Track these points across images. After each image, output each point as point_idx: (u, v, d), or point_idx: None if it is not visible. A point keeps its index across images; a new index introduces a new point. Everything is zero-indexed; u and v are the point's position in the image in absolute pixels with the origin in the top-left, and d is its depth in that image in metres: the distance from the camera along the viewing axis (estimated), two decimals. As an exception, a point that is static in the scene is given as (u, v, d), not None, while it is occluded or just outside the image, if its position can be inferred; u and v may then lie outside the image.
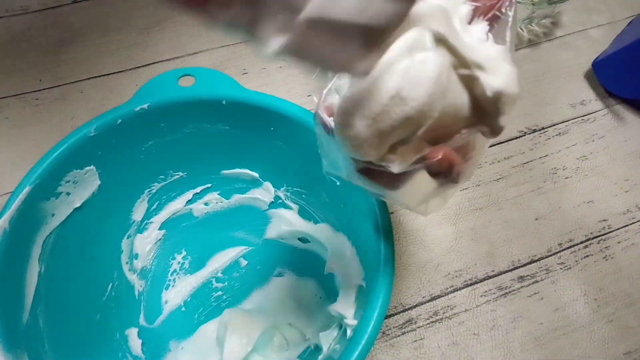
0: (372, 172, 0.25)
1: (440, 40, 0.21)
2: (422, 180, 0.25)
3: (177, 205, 0.49)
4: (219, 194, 0.49)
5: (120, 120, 0.39)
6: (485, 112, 0.22)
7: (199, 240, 0.49)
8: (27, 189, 0.35)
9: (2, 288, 0.33)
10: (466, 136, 0.23)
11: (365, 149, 0.22)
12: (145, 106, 0.40)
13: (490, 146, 0.58)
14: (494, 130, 0.23)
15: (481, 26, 0.23)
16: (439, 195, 0.27)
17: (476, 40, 0.23)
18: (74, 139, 0.38)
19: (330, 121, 0.24)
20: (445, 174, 0.24)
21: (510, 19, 0.23)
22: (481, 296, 0.48)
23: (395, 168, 0.23)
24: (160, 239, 0.48)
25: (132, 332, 0.44)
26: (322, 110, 0.25)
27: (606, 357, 0.45)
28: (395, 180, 0.25)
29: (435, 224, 0.52)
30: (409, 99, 0.21)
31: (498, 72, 0.22)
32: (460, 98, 0.22)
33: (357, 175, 0.25)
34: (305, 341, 0.43)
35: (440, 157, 0.23)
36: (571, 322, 0.47)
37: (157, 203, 0.47)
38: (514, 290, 0.48)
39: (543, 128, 0.60)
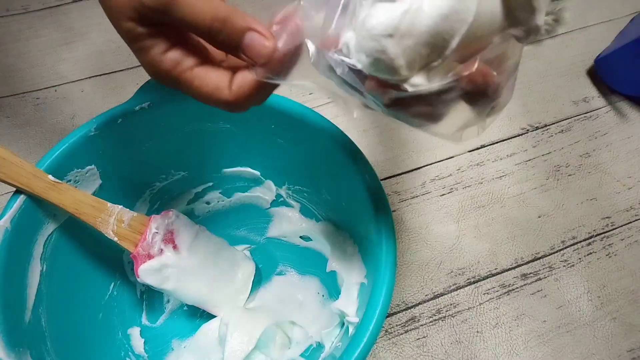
0: (403, 102, 0.22)
1: None
2: (460, 110, 0.23)
3: (178, 204, 0.48)
4: (220, 193, 0.49)
5: (121, 119, 0.39)
6: (519, 11, 0.20)
7: (201, 239, 0.49)
8: (28, 189, 0.35)
9: (5, 287, 0.33)
10: (499, 44, 0.21)
11: (396, 68, 0.20)
12: (145, 105, 0.40)
13: (493, 143, 0.58)
14: (530, 30, 0.21)
15: None
16: (477, 124, 0.24)
17: None
18: (75, 139, 0.38)
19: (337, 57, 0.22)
20: (481, 92, 0.21)
21: None
22: (484, 294, 0.48)
23: (425, 86, 0.20)
24: (162, 238, 0.48)
25: (135, 331, 0.44)
26: (331, 49, 0.22)
27: (610, 355, 0.45)
28: (432, 112, 0.23)
29: (437, 221, 0.52)
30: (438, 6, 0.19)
31: None
32: (493, 1, 0.20)
33: (387, 110, 0.23)
34: (307, 339, 0.43)
35: (473, 70, 0.20)
36: (574, 320, 0.47)
37: (158, 202, 0.47)
38: (517, 288, 0.48)
39: (546, 125, 0.60)
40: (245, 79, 0.25)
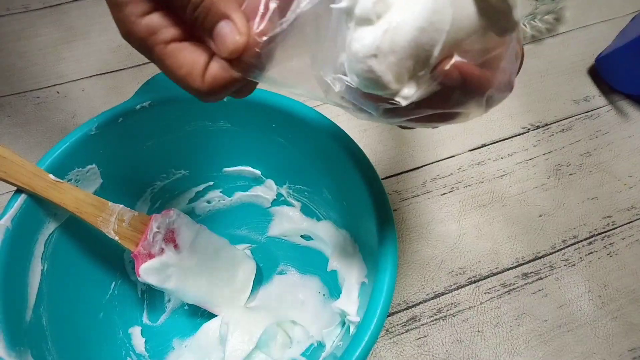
0: (403, 112, 0.22)
1: None
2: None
3: (179, 203, 0.48)
4: (221, 192, 0.49)
5: (121, 119, 0.39)
6: (495, 11, 0.21)
7: (202, 238, 0.49)
8: (29, 188, 0.35)
9: (5, 287, 0.33)
10: (480, 42, 0.21)
11: (385, 84, 0.21)
12: (146, 104, 0.40)
13: (494, 142, 0.58)
14: (509, 26, 0.21)
15: None
16: (477, 114, 0.24)
17: None
18: (76, 138, 0.38)
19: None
20: (462, 86, 0.21)
21: None
22: (485, 293, 0.48)
23: (415, 95, 0.21)
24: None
25: (135, 331, 0.44)
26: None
27: (611, 354, 0.45)
28: (439, 114, 0.23)
29: (438, 221, 0.52)
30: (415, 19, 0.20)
31: None
32: (467, 5, 0.20)
33: (389, 120, 0.23)
34: (308, 338, 0.43)
35: (446, 67, 0.20)
36: (575, 319, 0.47)
37: (159, 201, 0.47)
38: (518, 287, 0.48)
39: (546, 124, 0.60)
40: (222, 67, 0.23)
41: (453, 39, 0.20)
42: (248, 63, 0.22)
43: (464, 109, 0.23)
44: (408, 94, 0.21)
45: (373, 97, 0.22)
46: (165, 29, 0.23)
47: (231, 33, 0.22)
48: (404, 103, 0.21)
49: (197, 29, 0.23)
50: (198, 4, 0.22)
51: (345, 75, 0.22)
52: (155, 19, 0.23)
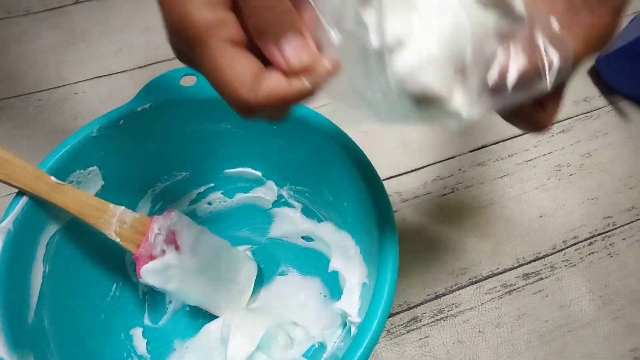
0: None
1: None
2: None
3: (180, 205, 0.49)
4: (222, 194, 0.49)
5: (122, 121, 0.39)
6: (500, 6, 0.22)
7: (203, 240, 0.49)
8: (30, 190, 0.35)
9: (7, 288, 0.33)
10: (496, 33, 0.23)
11: (435, 95, 0.22)
12: (147, 106, 0.40)
13: (494, 143, 0.58)
14: (517, 17, 0.23)
15: None
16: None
17: None
18: (77, 140, 0.38)
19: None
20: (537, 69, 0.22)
21: None
22: (486, 294, 0.48)
23: (469, 112, 0.22)
24: (164, 239, 0.48)
25: (137, 332, 0.44)
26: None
27: (612, 354, 0.45)
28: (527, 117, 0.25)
29: (439, 221, 0.52)
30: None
31: None
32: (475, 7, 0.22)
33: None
34: (309, 339, 0.43)
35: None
36: (576, 319, 0.47)
37: (160, 203, 0.47)
38: (518, 287, 0.48)
39: (546, 125, 0.60)
40: (280, 80, 0.21)
41: (479, 42, 0.22)
42: (319, 78, 0.21)
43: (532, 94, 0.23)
44: (460, 100, 0.22)
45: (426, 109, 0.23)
46: (227, 27, 0.21)
47: (305, 46, 0.21)
48: (464, 114, 0.22)
49: (261, 35, 0.21)
50: (273, 6, 0.21)
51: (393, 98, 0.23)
52: (220, 12, 0.20)
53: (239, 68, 0.21)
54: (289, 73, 0.21)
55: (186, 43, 0.21)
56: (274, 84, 0.21)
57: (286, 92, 0.21)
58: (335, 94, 0.24)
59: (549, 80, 0.22)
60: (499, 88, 0.22)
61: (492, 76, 0.22)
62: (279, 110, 0.22)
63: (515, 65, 0.23)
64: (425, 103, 0.22)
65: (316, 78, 0.21)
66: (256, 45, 0.22)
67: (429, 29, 0.21)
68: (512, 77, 0.22)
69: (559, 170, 0.56)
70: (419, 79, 0.21)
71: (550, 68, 0.22)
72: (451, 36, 0.21)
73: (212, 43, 0.20)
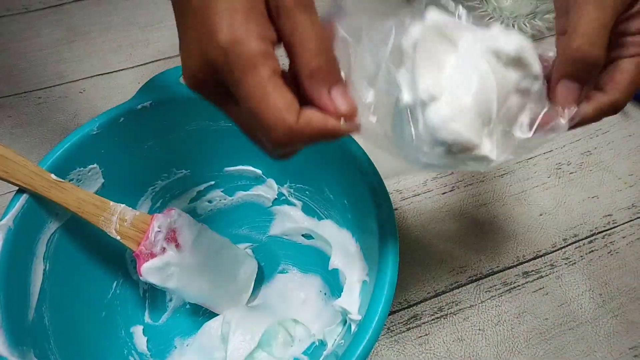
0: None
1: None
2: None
3: (180, 203, 0.49)
4: (222, 192, 0.49)
5: (122, 118, 0.39)
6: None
7: (203, 238, 0.49)
8: (31, 188, 0.35)
9: (8, 286, 0.33)
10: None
11: (466, 142, 0.25)
12: (147, 104, 0.40)
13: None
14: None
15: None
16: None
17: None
18: (77, 138, 0.38)
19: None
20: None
21: None
22: (486, 292, 0.48)
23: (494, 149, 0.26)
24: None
25: (138, 330, 0.44)
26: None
27: (611, 352, 0.45)
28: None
29: (439, 219, 0.52)
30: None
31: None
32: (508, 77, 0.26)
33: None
34: (309, 337, 0.43)
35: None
36: (576, 317, 0.47)
37: (160, 201, 0.47)
38: (518, 285, 0.48)
39: (547, 123, 0.60)
40: (321, 115, 0.23)
41: (503, 96, 0.25)
42: (353, 127, 0.24)
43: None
44: (489, 146, 0.26)
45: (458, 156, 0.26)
46: (274, 60, 0.22)
47: (348, 96, 0.24)
48: (493, 157, 0.26)
49: (312, 77, 0.23)
50: (327, 53, 0.23)
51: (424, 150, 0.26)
52: (270, 46, 0.22)
53: (284, 96, 0.22)
54: (332, 115, 0.23)
55: (232, 68, 0.22)
56: (314, 116, 0.23)
57: (326, 125, 0.23)
58: (369, 137, 0.26)
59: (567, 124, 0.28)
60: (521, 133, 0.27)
61: (517, 125, 0.26)
62: (311, 141, 0.23)
63: (534, 113, 0.27)
64: (457, 149, 0.25)
65: (351, 126, 0.24)
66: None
67: (458, 85, 0.25)
68: (533, 124, 0.27)
69: (559, 168, 0.56)
70: (451, 128, 0.24)
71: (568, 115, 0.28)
72: (479, 91, 0.25)
73: (263, 70, 0.22)
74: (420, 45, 0.25)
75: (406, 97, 0.25)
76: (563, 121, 0.28)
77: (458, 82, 0.25)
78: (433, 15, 0.26)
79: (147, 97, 0.40)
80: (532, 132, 0.27)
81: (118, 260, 0.45)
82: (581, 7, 0.26)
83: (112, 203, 0.39)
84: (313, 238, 0.48)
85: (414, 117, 0.25)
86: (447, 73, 0.25)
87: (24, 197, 0.35)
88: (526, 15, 0.65)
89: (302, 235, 0.49)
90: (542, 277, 0.49)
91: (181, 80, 0.41)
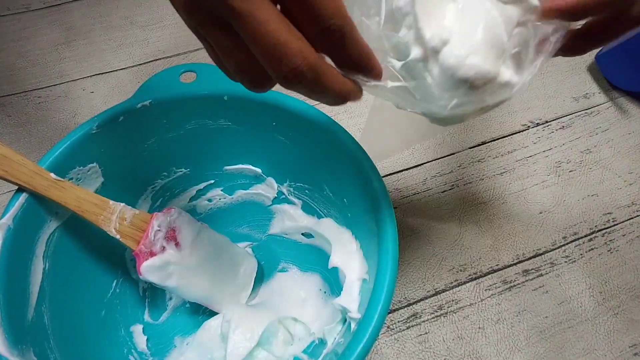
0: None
1: None
2: None
3: (180, 202, 0.49)
4: (222, 190, 0.49)
5: (122, 117, 0.39)
6: None
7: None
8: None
9: (7, 285, 0.33)
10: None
11: (485, 71, 0.25)
12: (147, 103, 0.40)
13: (494, 140, 0.58)
14: None
15: None
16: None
17: None
18: (77, 137, 0.38)
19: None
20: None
21: None
22: (486, 290, 0.48)
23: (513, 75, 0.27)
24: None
25: (137, 329, 0.44)
26: None
27: (612, 350, 0.45)
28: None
29: (439, 218, 0.52)
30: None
31: None
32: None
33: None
34: (309, 335, 0.43)
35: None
36: (576, 315, 0.47)
37: (160, 200, 0.47)
38: (518, 284, 0.48)
39: (546, 121, 0.60)
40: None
41: (512, 26, 0.26)
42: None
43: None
44: (508, 73, 0.26)
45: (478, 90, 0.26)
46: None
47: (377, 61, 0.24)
48: (514, 81, 0.27)
49: (356, 65, 0.24)
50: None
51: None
52: None
53: (291, 28, 0.22)
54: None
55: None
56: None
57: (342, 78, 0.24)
58: (381, 95, 0.28)
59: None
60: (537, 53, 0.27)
61: (526, 50, 0.27)
62: (320, 86, 0.23)
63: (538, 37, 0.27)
64: (480, 83, 0.26)
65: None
66: None
67: (465, 25, 0.25)
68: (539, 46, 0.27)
69: (559, 166, 0.56)
70: (470, 64, 0.25)
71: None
72: (486, 27, 0.25)
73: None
74: (417, 0, 0.25)
75: (415, 51, 0.25)
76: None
77: (464, 22, 0.25)
78: None
79: (147, 96, 0.40)
80: (539, 53, 0.27)
81: (118, 259, 0.45)
82: None
83: (111, 202, 0.39)
84: (313, 237, 0.48)
85: (429, 69, 0.26)
86: (451, 18, 0.26)
87: (23, 196, 0.35)
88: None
89: (302, 233, 0.49)
90: (542, 275, 0.49)
91: (181, 78, 0.41)
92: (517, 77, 0.27)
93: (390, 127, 0.36)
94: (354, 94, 0.25)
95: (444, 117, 0.29)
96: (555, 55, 0.28)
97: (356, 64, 0.24)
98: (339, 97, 0.24)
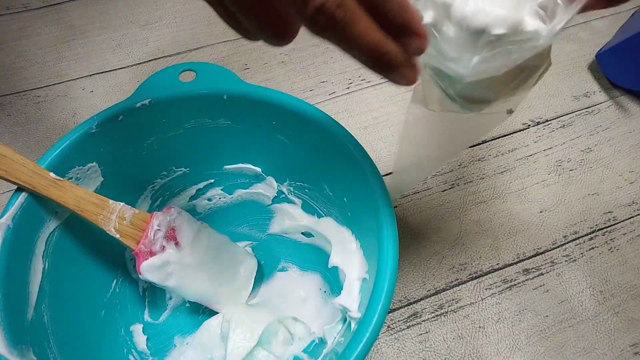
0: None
1: None
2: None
3: (180, 201, 0.48)
4: (222, 190, 0.49)
5: (121, 117, 0.39)
6: None
7: (203, 236, 0.49)
8: (30, 186, 0.35)
9: (7, 285, 0.33)
10: None
11: (505, 16, 0.24)
12: (146, 102, 0.40)
13: (494, 139, 0.58)
14: None
15: None
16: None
17: None
18: (76, 136, 0.38)
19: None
20: None
21: None
22: (486, 289, 0.48)
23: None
24: (163, 235, 0.48)
25: (137, 328, 0.44)
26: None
27: (612, 349, 0.45)
28: None
29: (439, 217, 0.52)
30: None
31: None
32: None
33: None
34: (309, 335, 0.43)
35: None
36: (577, 315, 0.47)
37: (160, 199, 0.47)
38: (519, 283, 0.48)
39: (547, 120, 0.60)
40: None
41: None
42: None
43: None
44: (532, 22, 0.24)
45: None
46: None
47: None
48: (541, 30, 0.24)
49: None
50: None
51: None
52: None
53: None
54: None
55: None
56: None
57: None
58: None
59: None
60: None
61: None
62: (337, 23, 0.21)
63: None
64: (501, 31, 0.24)
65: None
66: None
67: None
68: None
69: (560, 165, 0.56)
70: (487, 10, 0.23)
71: None
72: None
73: None
74: None
75: (427, 16, 0.25)
76: None
77: None
78: None
79: (146, 95, 0.40)
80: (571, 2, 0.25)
81: (117, 258, 0.45)
82: None
83: (111, 201, 0.39)
84: (313, 236, 0.48)
85: (444, 29, 0.25)
86: None
87: (22, 196, 0.35)
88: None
89: (302, 233, 0.49)
90: (543, 274, 0.49)
91: (180, 77, 0.41)
92: (544, 26, 0.24)
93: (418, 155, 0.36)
94: (394, 57, 0.23)
95: (472, 86, 0.27)
96: (593, 8, 0.27)
97: (394, 10, 0.22)
98: (375, 53, 0.22)
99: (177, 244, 0.42)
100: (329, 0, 0.20)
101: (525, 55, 0.25)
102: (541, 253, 0.50)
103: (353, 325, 0.36)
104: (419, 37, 0.22)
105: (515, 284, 0.48)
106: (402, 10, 0.22)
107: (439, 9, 0.24)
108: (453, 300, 0.47)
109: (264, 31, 0.23)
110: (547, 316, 0.46)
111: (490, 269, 0.49)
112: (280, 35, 0.23)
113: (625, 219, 0.52)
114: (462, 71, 0.26)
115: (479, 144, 0.57)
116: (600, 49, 0.63)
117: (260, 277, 0.48)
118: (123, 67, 0.63)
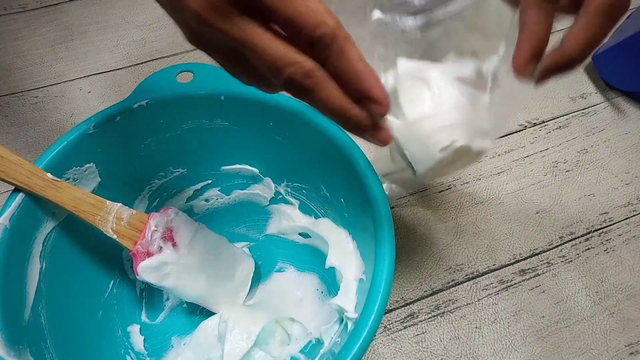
0: None
1: None
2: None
3: (177, 202, 0.48)
4: (219, 190, 0.49)
5: (119, 117, 0.39)
6: None
7: (200, 237, 0.49)
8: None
9: (4, 286, 0.33)
10: None
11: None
12: (144, 103, 0.40)
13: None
14: None
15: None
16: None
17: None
18: (74, 137, 0.38)
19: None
20: None
21: None
22: (482, 290, 0.48)
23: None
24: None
25: (134, 329, 0.44)
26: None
27: (608, 350, 0.45)
28: None
29: (436, 218, 0.52)
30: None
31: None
32: None
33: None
34: (306, 335, 0.43)
35: None
36: (573, 315, 0.47)
37: (157, 200, 0.47)
38: (515, 283, 0.48)
39: (543, 122, 0.60)
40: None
41: (475, 100, 0.33)
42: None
43: None
44: (479, 141, 0.34)
45: None
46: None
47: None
48: (487, 146, 0.34)
49: (320, 54, 0.23)
50: (329, 41, 0.23)
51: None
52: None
53: (287, 44, 0.23)
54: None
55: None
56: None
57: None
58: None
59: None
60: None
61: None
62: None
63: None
64: (455, 152, 0.33)
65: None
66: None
67: (439, 106, 0.33)
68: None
69: (556, 166, 0.56)
70: (445, 136, 0.32)
71: None
72: (457, 105, 0.32)
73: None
74: (399, 89, 0.31)
75: (397, 124, 0.33)
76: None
77: (438, 104, 0.32)
78: (404, 63, 0.33)
79: (144, 96, 0.40)
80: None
81: (115, 259, 0.45)
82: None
83: (108, 202, 0.39)
84: (310, 237, 0.48)
85: (406, 144, 0.34)
86: (427, 103, 0.32)
87: (20, 197, 0.35)
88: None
89: (299, 233, 0.49)
90: (539, 275, 0.49)
91: (178, 78, 0.41)
92: (488, 142, 0.33)
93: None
94: (359, 121, 0.25)
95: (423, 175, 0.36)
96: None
97: (353, 79, 0.23)
98: (341, 116, 0.24)
99: (174, 244, 0.42)
100: (297, 71, 0.23)
101: (475, 154, 0.34)
102: (537, 254, 0.50)
103: (350, 325, 0.36)
104: (378, 103, 0.24)
105: (511, 285, 0.48)
106: (360, 78, 0.23)
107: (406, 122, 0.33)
108: (450, 300, 0.47)
109: (254, 85, 0.27)
110: (543, 316, 0.47)
111: (486, 269, 0.49)
112: (268, 89, 0.27)
113: (621, 220, 0.52)
114: (418, 168, 0.35)
115: (475, 145, 0.57)
116: (597, 51, 0.63)
117: (258, 277, 0.48)
118: (120, 68, 0.63)
